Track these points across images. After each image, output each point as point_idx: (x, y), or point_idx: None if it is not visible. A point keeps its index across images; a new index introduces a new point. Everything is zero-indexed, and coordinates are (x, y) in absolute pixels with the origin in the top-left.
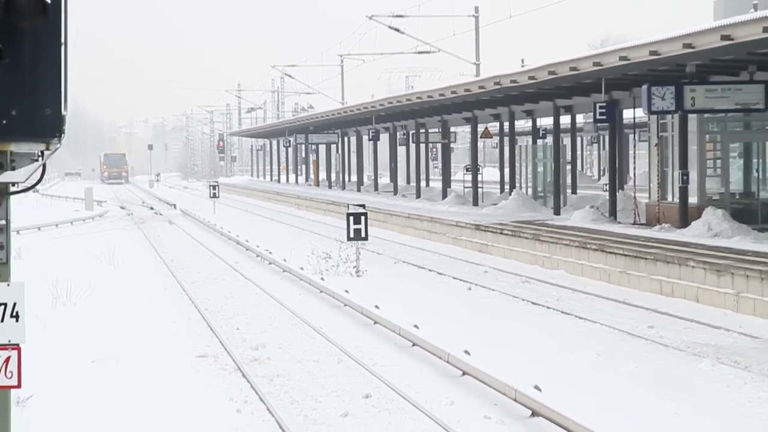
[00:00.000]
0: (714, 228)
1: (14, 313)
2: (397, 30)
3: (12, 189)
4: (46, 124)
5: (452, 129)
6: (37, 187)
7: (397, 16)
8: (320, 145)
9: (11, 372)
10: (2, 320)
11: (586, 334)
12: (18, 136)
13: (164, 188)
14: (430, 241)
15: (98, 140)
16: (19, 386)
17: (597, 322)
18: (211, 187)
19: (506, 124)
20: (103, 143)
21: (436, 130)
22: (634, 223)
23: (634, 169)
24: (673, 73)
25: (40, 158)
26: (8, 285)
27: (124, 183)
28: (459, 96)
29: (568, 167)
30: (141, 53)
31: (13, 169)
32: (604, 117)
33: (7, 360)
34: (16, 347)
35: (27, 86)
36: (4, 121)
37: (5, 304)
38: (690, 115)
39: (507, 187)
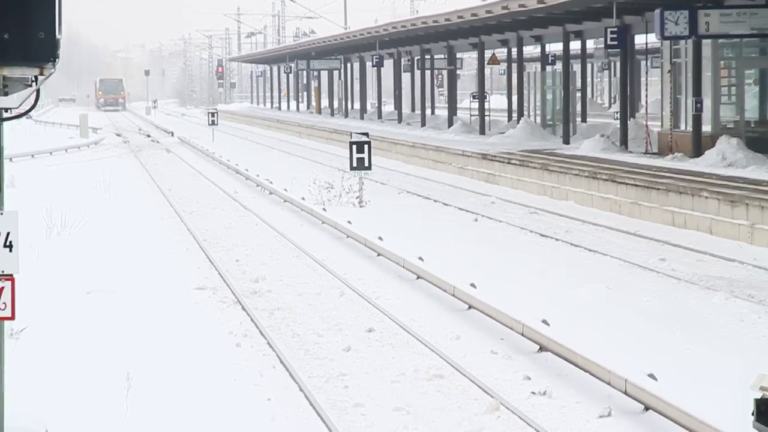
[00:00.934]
0: (728, 157)
1: (7, 243)
2: None
3: (5, 115)
4: (39, 48)
5: (458, 55)
6: (31, 113)
7: None
8: (322, 72)
9: (4, 303)
10: None
11: (596, 266)
12: (11, 61)
13: (161, 115)
14: (435, 170)
15: (93, 65)
16: (12, 318)
17: (607, 255)
18: (210, 115)
19: (514, 50)
20: (98, 68)
21: (442, 56)
22: (646, 153)
23: (646, 96)
24: None
25: (34, 83)
26: (1, 214)
27: (120, 110)
28: (465, 21)
29: (578, 95)
30: None
31: (6, 94)
32: (616, 43)
33: (0, 291)
34: (10, 278)
35: (20, 9)
36: None
37: None
38: (704, 41)
39: (515, 115)
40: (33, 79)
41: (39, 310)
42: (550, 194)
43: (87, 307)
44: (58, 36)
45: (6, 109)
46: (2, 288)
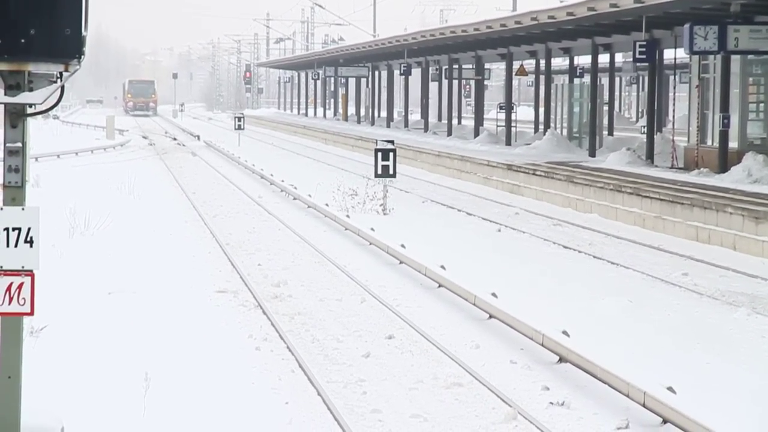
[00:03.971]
0: (754, 174)
1: (28, 239)
2: None
3: (29, 110)
4: (65, 44)
5: (486, 65)
6: (58, 114)
7: None
8: (350, 79)
9: (24, 299)
10: (16, 245)
11: (618, 279)
12: (36, 56)
13: (188, 119)
14: (460, 180)
15: (121, 67)
16: (31, 313)
17: (630, 268)
18: (237, 119)
19: (542, 62)
20: (126, 70)
21: (470, 66)
22: (672, 167)
23: (674, 111)
24: (716, 12)
25: (59, 80)
26: (23, 209)
27: (151, 115)
28: (494, 31)
29: (605, 108)
30: None
31: (31, 90)
32: (644, 56)
33: (20, 286)
34: (30, 273)
35: (46, 5)
36: (23, 41)
37: (19, 229)
38: (733, 57)
39: (541, 126)
40: (58, 75)
41: (60, 309)
42: (574, 206)
43: (108, 308)
44: (84, 33)
45: (30, 105)
46: (22, 283)
